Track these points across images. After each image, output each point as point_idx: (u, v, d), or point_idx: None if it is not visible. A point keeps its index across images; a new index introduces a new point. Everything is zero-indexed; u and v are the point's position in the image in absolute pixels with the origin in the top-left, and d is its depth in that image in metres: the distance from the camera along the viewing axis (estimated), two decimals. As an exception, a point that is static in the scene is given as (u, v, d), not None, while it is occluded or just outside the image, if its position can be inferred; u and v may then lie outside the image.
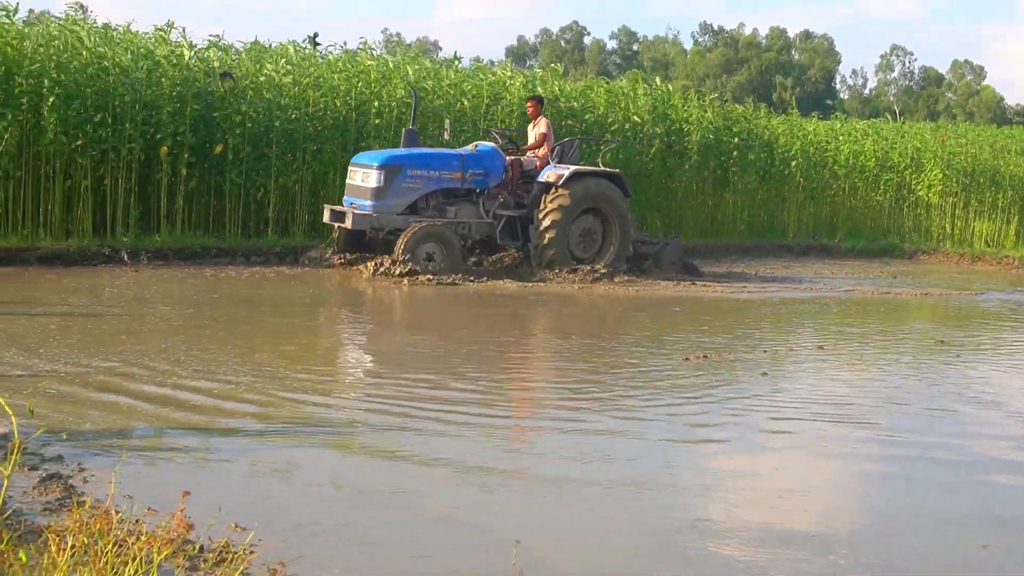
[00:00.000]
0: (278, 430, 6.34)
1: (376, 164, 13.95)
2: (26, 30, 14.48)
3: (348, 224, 13.81)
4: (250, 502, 5.09)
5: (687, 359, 9.13)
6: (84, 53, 14.45)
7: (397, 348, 9.78)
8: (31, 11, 15.27)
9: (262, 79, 15.93)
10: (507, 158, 14.74)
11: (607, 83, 21.10)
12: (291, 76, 16.13)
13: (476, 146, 14.83)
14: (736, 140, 21.19)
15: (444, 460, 5.87)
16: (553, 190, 14.31)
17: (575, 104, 19.17)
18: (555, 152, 14.89)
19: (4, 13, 14.25)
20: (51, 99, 13.74)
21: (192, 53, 15.60)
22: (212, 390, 7.21)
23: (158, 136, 14.74)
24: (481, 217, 14.47)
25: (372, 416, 6.79)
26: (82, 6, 16.08)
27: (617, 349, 9.95)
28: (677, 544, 4.78)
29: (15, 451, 3.50)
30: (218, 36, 16.55)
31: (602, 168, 15.04)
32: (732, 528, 5.03)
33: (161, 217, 14.99)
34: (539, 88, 18.62)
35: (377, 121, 16.55)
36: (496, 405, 7.40)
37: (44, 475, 5.23)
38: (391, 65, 17.56)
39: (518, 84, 18.65)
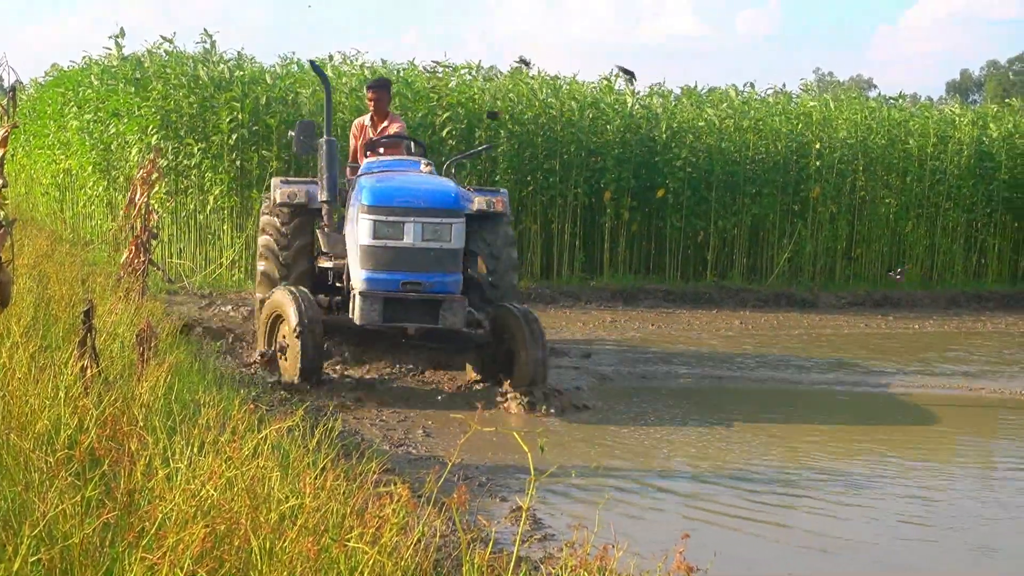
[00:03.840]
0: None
1: (448, 206, 8.32)
2: (485, 85, 15.45)
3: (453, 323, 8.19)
4: (725, 554, 5.04)
5: None
6: (536, 104, 15.22)
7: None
8: (491, 67, 16.22)
9: (701, 123, 16.06)
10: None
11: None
12: (731, 120, 16.16)
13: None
14: None
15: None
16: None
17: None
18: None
19: (467, 70, 15.34)
20: (504, 147, 14.55)
21: (634, 100, 16.03)
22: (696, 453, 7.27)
23: (602, 182, 15.26)
24: None
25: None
26: (525, 61, 16.99)
27: None
28: None
29: (530, 485, 3.65)
30: (659, 84, 16.92)
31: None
32: None
33: (604, 260, 15.47)
34: (962, 123, 17.42)
35: (818, 163, 16.24)
36: None
37: (513, 506, 5.48)
38: (832, 106, 17.18)
39: (967, 122, 17.66)
